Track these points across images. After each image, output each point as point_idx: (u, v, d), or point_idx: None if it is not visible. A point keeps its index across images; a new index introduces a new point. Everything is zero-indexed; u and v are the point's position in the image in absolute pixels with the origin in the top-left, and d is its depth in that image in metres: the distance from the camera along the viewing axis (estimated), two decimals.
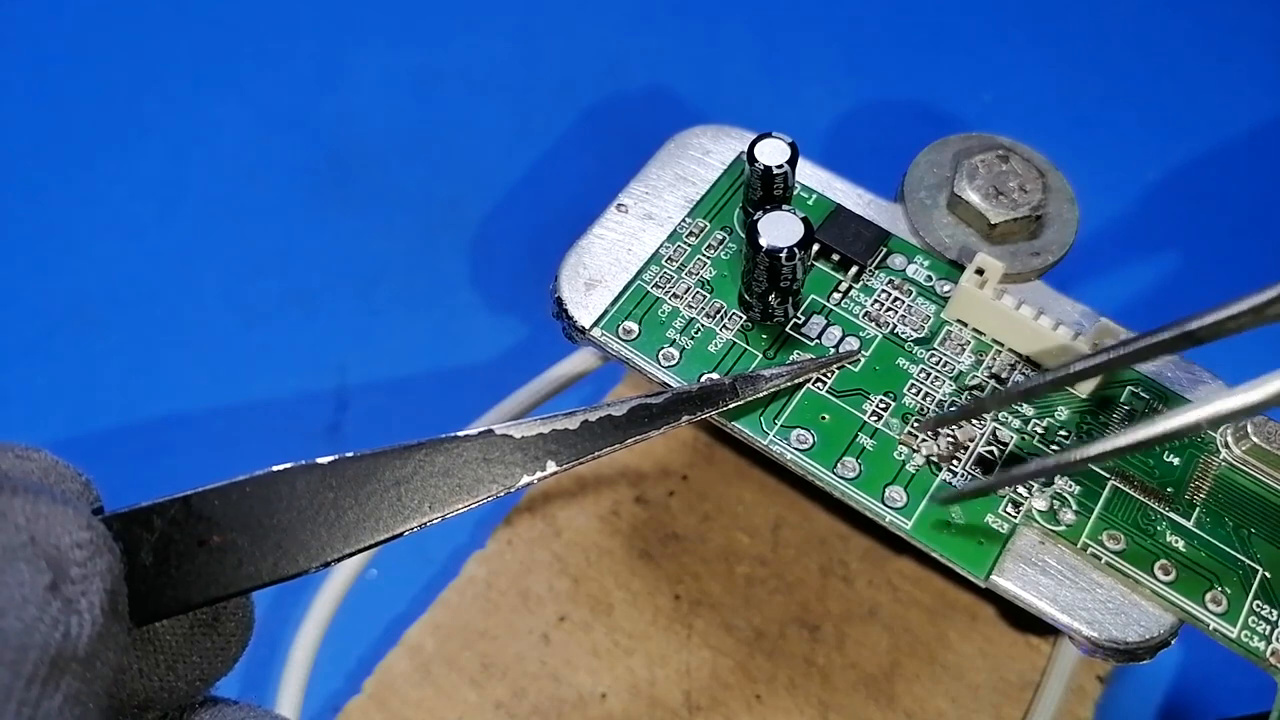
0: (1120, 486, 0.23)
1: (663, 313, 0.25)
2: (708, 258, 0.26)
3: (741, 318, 0.25)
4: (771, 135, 0.25)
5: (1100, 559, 0.22)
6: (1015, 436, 0.24)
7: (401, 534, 0.17)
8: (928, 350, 0.25)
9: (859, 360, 0.25)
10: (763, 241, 0.23)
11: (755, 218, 0.23)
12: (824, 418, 0.24)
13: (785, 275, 0.23)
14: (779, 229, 0.23)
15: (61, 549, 0.13)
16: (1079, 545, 0.22)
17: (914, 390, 0.24)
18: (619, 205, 0.27)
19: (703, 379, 0.24)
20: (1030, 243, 0.26)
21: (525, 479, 0.19)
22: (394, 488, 0.17)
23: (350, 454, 0.17)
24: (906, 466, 0.23)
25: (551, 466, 0.19)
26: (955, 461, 0.23)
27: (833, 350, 0.25)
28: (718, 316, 0.25)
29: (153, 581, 0.15)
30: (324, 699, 0.32)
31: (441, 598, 0.32)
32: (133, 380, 0.39)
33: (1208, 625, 0.22)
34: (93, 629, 0.12)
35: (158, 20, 0.48)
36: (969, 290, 0.24)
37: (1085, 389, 0.24)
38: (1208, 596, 0.22)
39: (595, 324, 0.25)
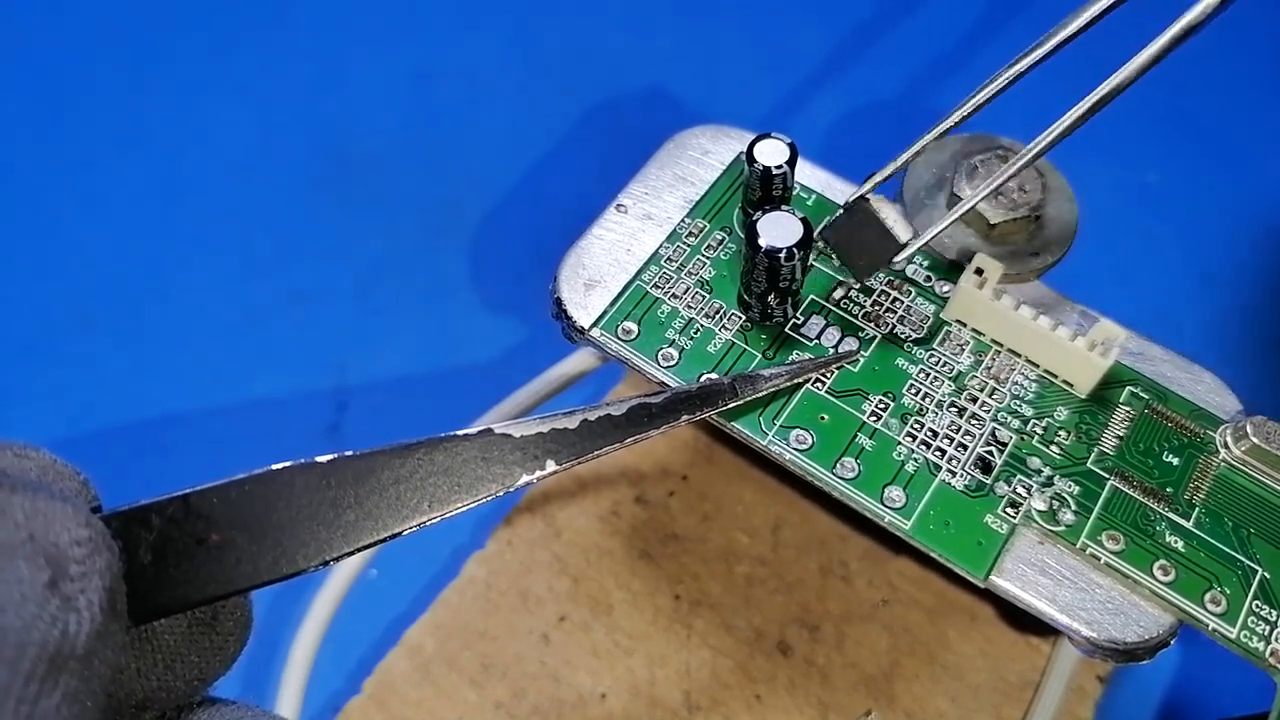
0: (1119, 487, 0.23)
1: (662, 313, 0.25)
2: (707, 258, 0.26)
3: (740, 318, 0.25)
4: (770, 135, 0.25)
5: (1099, 559, 0.22)
6: (1014, 437, 0.24)
7: (400, 533, 0.17)
8: (927, 351, 0.25)
9: (858, 360, 0.25)
10: (762, 242, 0.23)
11: (754, 218, 0.23)
12: (823, 418, 0.24)
13: (784, 276, 0.23)
14: (778, 229, 0.23)
15: (60, 546, 0.13)
16: (1078, 545, 0.22)
17: (913, 390, 0.24)
18: (618, 205, 0.27)
19: (702, 379, 0.24)
20: (1030, 243, 0.26)
21: (525, 478, 0.19)
22: (393, 486, 0.17)
23: (349, 452, 0.17)
24: (905, 467, 0.23)
25: (551, 466, 0.19)
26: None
27: (832, 350, 0.25)
28: (717, 317, 0.25)
29: (151, 580, 0.15)
30: (324, 699, 0.32)
31: (441, 598, 0.32)
32: (133, 380, 0.39)
33: (1207, 625, 0.22)
34: (91, 627, 0.12)
35: (157, 20, 0.48)
36: (968, 291, 0.24)
37: (1085, 388, 0.24)
38: (1207, 597, 0.22)
39: (594, 324, 0.25)
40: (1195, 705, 0.34)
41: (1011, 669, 0.30)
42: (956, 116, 0.24)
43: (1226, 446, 0.24)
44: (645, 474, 0.34)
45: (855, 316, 0.25)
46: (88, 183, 0.43)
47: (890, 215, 0.24)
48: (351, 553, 0.16)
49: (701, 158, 0.28)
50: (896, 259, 0.24)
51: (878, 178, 0.25)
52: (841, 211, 0.25)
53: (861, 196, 0.25)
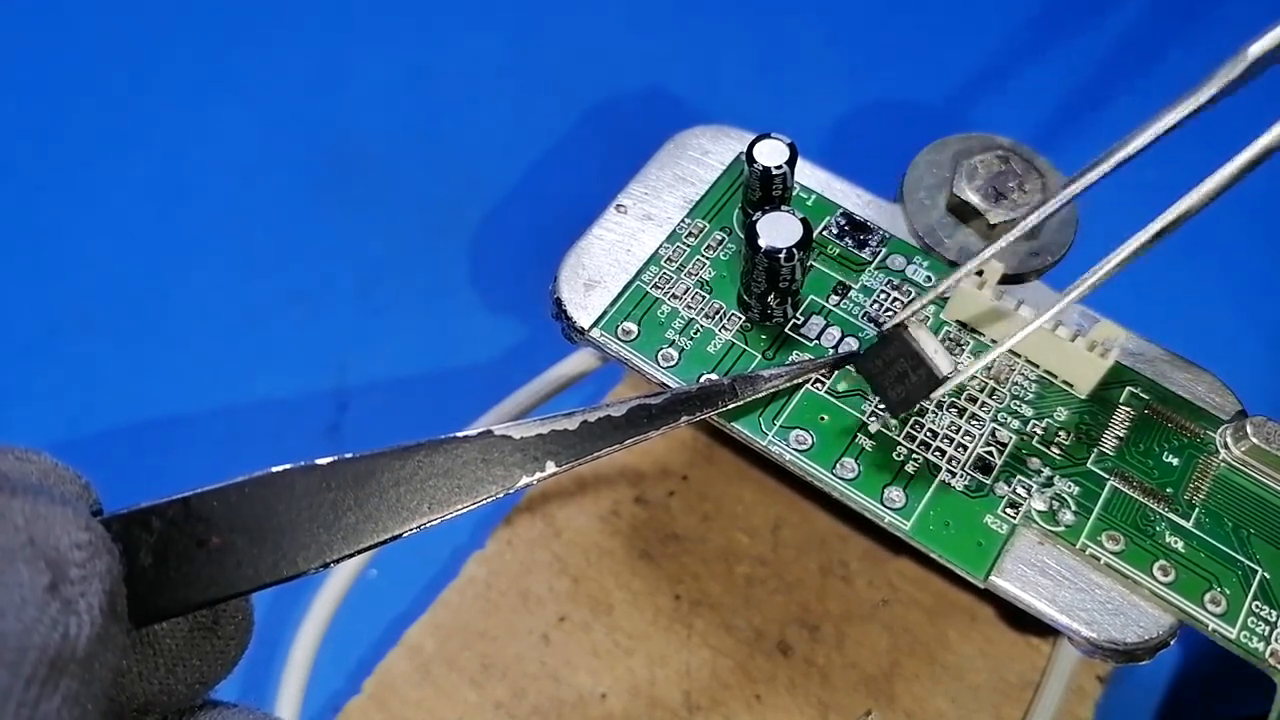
0: (1119, 487, 0.23)
1: (662, 313, 0.25)
2: (707, 258, 0.26)
3: (740, 318, 0.25)
4: (770, 136, 0.25)
5: (1099, 560, 0.22)
6: (1014, 437, 0.24)
7: (401, 535, 0.17)
8: None
9: None
10: (761, 242, 0.23)
11: (754, 218, 0.23)
12: (823, 418, 0.24)
13: (784, 276, 0.23)
14: (778, 230, 0.23)
15: (60, 550, 0.13)
16: (1078, 546, 0.22)
17: None
18: (618, 206, 0.27)
19: (702, 379, 0.24)
20: (1030, 243, 0.26)
21: (525, 480, 0.19)
22: (393, 489, 0.17)
23: (349, 455, 0.17)
24: (905, 467, 0.23)
25: (551, 467, 0.19)
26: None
27: (832, 351, 0.25)
28: (717, 317, 0.25)
29: (152, 583, 0.15)
30: (324, 699, 0.32)
31: (441, 598, 0.32)
32: (133, 380, 0.39)
33: (1207, 626, 0.22)
34: (92, 630, 0.12)
35: (158, 20, 0.48)
36: (968, 291, 0.24)
37: (1085, 388, 0.24)
38: (1207, 597, 0.22)
39: (594, 325, 0.25)
40: (1195, 705, 0.34)
41: (1011, 669, 0.31)
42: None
43: (1226, 447, 0.24)
44: (645, 474, 0.34)
45: (855, 317, 0.25)
46: (88, 183, 0.43)
47: (930, 345, 0.23)
48: (352, 555, 0.16)
49: (701, 158, 0.28)
50: (935, 394, 0.23)
51: (917, 304, 0.23)
52: (877, 339, 0.24)
53: (900, 324, 0.23)
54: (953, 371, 0.22)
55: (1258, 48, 0.17)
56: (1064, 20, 0.48)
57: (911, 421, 0.24)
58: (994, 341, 0.25)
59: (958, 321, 0.25)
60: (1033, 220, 0.22)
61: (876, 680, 0.30)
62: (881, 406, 0.24)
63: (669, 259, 0.26)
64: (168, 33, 0.48)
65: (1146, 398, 0.25)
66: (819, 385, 0.24)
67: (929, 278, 0.26)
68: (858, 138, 0.44)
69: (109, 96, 0.46)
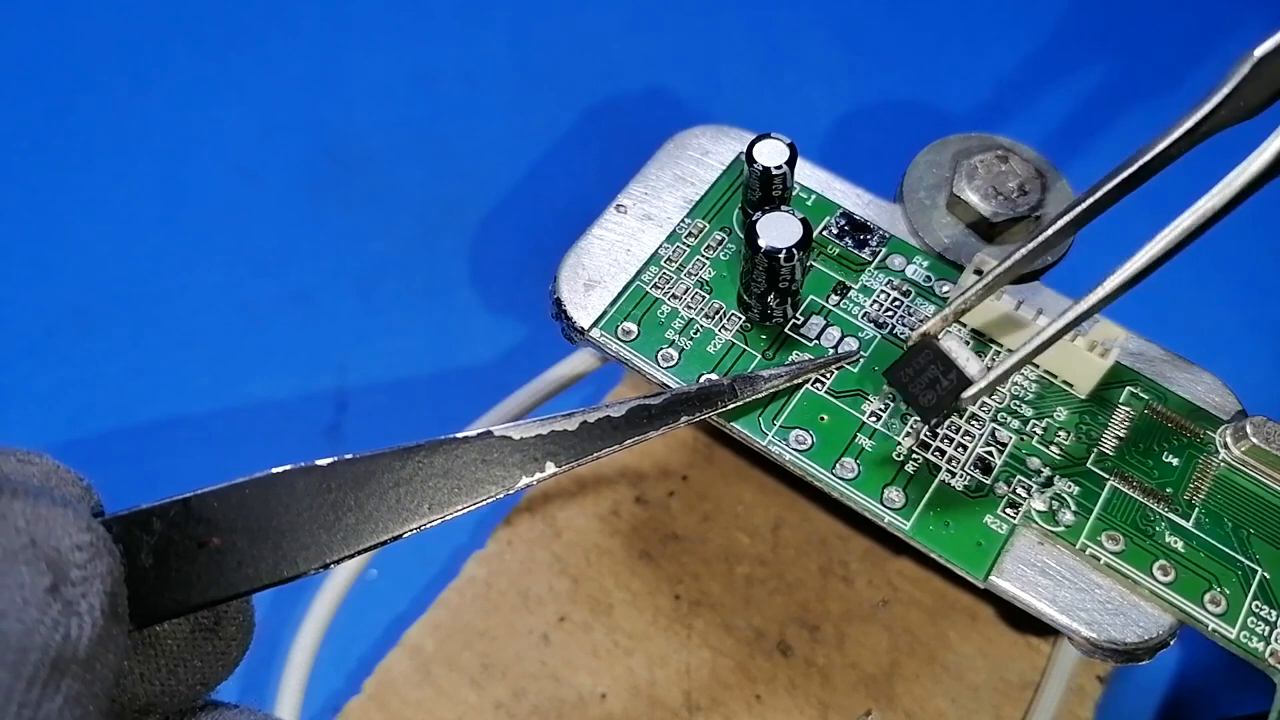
0: (1119, 487, 0.23)
1: (662, 313, 0.25)
2: (707, 258, 0.26)
3: (740, 318, 0.25)
4: (770, 136, 0.25)
5: (1099, 560, 0.22)
6: (1014, 437, 0.24)
7: (400, 536, 0.17)
8: None
9: (858, 361, 0.25)
10: (761, 242, 0.23)
11: (754, 218, 0.23)
12: (823, 418, 0.24)
13: (784, 276, 0.23)
14: (778, 230, 0.23)
15: (62, 551, 0.13)
16: (1078, 546, 0.22)
17: None
18: (618, 206, 0.27)
19: (701, 380, 0.24)
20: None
21: (524, 480, 0.19)
22: (393, 489, 0.17)
23: (349, 456, 0.17)
24: (905, 467, 0.23)
25: (550, 468, 0.19)
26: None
27: (831, 351, 0.25)
28: (717, 317, 0.25)
29: (153, 584, 0.15)
30: (324, 699, 0.32)
31: (441, 598, 0.32)
32: (133, 381, 0.39)
33: (1206, 626, 0.22)
34: (93, 631, 0.12)
35: (158, 20, 0.48)
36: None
37: (1085, 388, 0.24)
38: (1206, 597, 0.22)
39: (594, 325, 0.25)
40: (1195, 705, 0.34)
41: (1011, 669, 0.31)
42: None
43: (1226, 447, 0.24)
44: (645, 474, 0.34)
45: (855, 316, 0.25)
46: (88, 183, 0.43)
47: (961, 353, 0.23)
48: (352, 555, 0.16)
49: (701, 158, 0.28)
50: (966, 394, 0.22)
51: (945, 312, 0.23)
52: (904, 351, 0.24)
53: (925, 334, 0.23)
54: (982, 374, 0.22)
55: (1263, 49, 0.17)
56: (1064, 20, 0.48)
57: (911, 421, 0.24)
58: (994, 342, 0.25)
59: (958, 321, 0.25)
60: (1047, 234, 0.22)
61: (876, 680, 0.30)
62: (915, 416, 0.24)
63: (669, 259, 0.26)
64: (168, 33, 0.48)
65: (1146, 398, 0.25)
66: (819, 385, 0.24)
67: (928, 277, 0.26)
68: (858, 138, 0.44)
69: (109, 96, 0.46)
